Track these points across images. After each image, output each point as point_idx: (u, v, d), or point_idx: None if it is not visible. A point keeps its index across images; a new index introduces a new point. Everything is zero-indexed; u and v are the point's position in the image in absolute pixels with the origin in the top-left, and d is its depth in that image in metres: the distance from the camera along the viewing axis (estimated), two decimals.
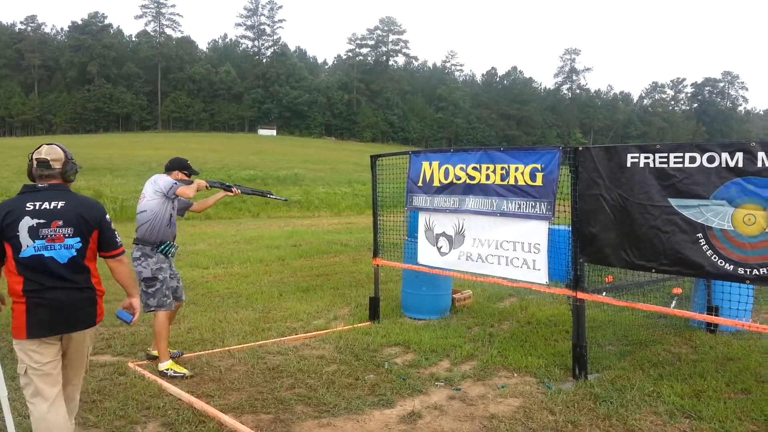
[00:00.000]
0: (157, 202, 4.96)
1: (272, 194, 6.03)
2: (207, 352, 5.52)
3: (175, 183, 5.01)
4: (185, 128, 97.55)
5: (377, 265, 6.84)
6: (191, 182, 5.26)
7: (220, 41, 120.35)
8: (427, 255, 6.18)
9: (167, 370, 4.81)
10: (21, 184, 3.39)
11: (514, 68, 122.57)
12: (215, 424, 3.94)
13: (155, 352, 5.09)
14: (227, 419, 3.99)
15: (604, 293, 5.14)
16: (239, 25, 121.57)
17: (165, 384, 4.62)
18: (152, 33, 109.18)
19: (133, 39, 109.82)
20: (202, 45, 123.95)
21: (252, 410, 4.22)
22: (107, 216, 3.35)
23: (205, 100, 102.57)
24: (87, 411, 4.12)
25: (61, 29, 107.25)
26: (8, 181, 24.69)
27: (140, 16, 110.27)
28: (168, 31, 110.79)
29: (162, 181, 5.00)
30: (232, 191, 5.53)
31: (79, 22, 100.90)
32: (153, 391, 4.51)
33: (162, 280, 4.96)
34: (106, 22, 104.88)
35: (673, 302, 6.84)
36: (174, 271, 5.22)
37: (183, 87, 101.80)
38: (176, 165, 5.34)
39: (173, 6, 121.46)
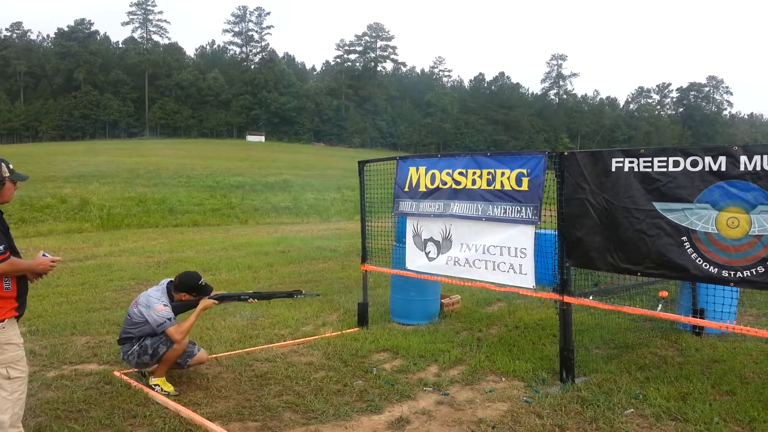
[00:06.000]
0: (146, 327, 4.73)
1: (302, 292, 5.35)
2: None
3: (168, 320, 4.66)
4: (173, 135, 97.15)
5: (366, 270, 6.84)
6: (196, 303, 4.93)
7: (207, 47, 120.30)
8: (415, 260, 6.18)
9: (156, 385, 4.69)
10: None
11: (502, 74, 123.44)
12: None
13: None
14: (214, 427, 3.96)
15: (590, 297, 5.17)
16: (227, 31, 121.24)
17: (152, 393, 4.58)
18: (139, 39, 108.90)
19: (120, 45, 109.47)
20: (190, 51, 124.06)
21: (239, 418, 4.20)
22: None
23: (193, 107, 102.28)
24: (72, 420, 4.08)
25: (47, 36, 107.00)
26: None
27: (127, 23, 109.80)
28: (155, 37, 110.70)
29: (154, 313, 4.67)
30: (248, 301, 5.17)
31: (66, 29, 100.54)
32: (139, 399, 4.48)
33: (159, 336, 4.74)
34: (93, 28, 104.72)
35: (660, 305, 6.89)
36: None
37: (170, 93, 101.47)
38: (185, 287, 4.93)
39: (160, 12, 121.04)
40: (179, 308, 4.93)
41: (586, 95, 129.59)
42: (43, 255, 3.49)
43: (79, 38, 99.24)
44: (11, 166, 3.49)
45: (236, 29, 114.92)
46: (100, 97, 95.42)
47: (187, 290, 4.93)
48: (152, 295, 4.82)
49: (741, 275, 4.06)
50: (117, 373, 5.03)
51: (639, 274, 4.62)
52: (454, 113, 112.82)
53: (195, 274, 5.01)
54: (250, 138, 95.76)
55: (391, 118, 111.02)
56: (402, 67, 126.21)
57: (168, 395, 4.57)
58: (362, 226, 6.88)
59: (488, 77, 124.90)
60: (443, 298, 7.48)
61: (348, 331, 6.56)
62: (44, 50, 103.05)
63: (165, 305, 4.73)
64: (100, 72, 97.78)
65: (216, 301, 4.96)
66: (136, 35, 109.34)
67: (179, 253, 13.12)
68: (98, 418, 4.12)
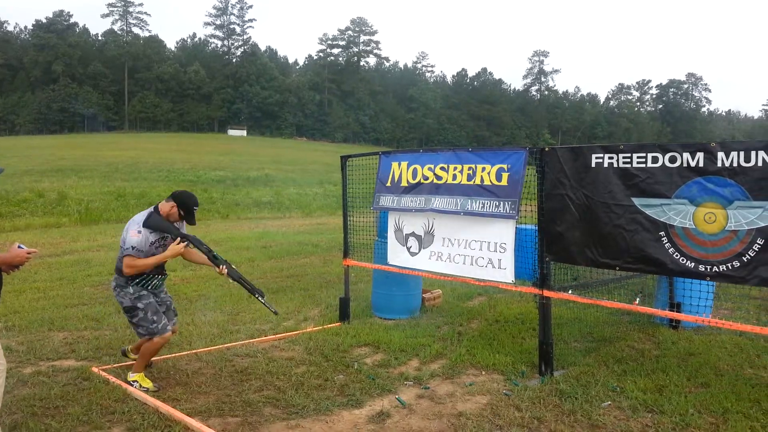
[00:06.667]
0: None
1: (263, 298, 4.79)
2: (173, 355, 5.45)
3: (131, 248, 4.47)
4: (153, 128, 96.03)
5: (347, 265, 6.83)
6: (177, 232, 4.66)
7: (188, 40, 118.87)
8: (397, 255, 6.19)
9: (134, 381, 4.62)
10: None
11: (484, 70, 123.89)
12: (181, 428, 3.89)
13: (133, 356, 4.98)
14: (194, 423, 3.94)
15: (570, 291, 5.22)
16: (208, 24, 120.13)
17: (130, 389, 4.54)
18: (119, 32, 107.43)
19: (100, 38, 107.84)
20: (171, 44, 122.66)
21: (219, 413, 4.18)
22: None
23: (174, 100, 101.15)
24: (50, 417, 4.04)
25: (25, 28, 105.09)
26: None
27: (107, 15, 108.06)
28: (135, 30, 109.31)
29: (128, 234, 4.52)
30: (218, 268, 4.71)
31: (44, 21, 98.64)
32: (118, 395, 4.43)
33: (144, 307, 4.61)
34: (72, 20, 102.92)
35: (637, 299, 6.98)
36: (163, 302, 4.86)
37: (151, 87, 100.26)
38: (177, 198, 4.66)
39: (141, 5, 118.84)
40: (158, 226, 4.59)
41: (567, 92, 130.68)
42: (19, 247, 3.41)
43: (57, 30, 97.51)
44: None
45: (218, 22, 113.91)
46: (78, 90, 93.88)
47: (177, 203, 4.63)
48: (135, 218, 4.63)
49: (717, 270, 4.13)
50: (95, 369, 4.98)
51: (617, 268, 4.68)
52: (437, 109, 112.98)
53: (194, 198, 4.75)
54: (231, 132, 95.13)
55: (374, 113, 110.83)
56: (385, 62, 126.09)
57: (147, 391, 4.52)
58: (344, 221, 6.88)
59: (471, 73, 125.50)
60: (425, 292, 7.50)
61: (329, 326, 6.56)
62: (22, 42, 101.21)
63: (139, 232, 4.50)
64: (79, 64, 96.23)
65: (185, 245, 4.65)
66: (115, 27, 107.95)
67: None
68: (76, 414, 4.08)
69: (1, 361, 3.39)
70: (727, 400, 4.38)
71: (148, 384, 4.61)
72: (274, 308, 4.95)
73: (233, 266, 4.81)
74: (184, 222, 4.84)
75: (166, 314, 4.81)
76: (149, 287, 4.71)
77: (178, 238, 4.67)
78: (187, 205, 4.67)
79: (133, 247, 4.49)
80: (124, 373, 4.90)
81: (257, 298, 4.77)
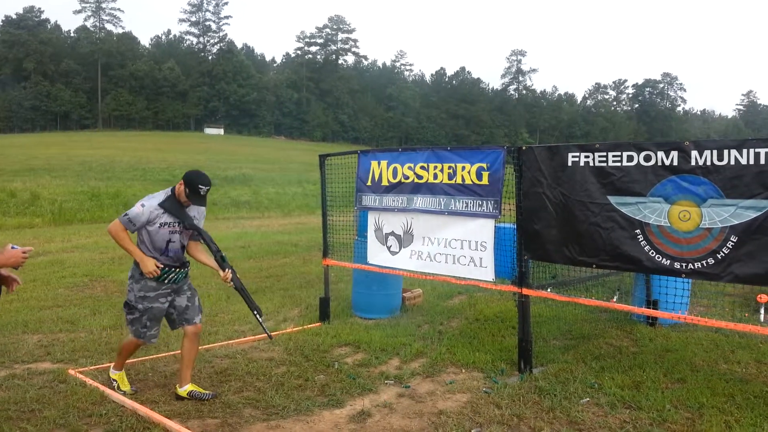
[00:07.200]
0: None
1: (260, 317, 4.53)
2: (151, 357, 5.38)
3: (125, 214, 4.19)
4: (127, 127, 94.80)
5: (327, 265, 6.81)
6: (189, 221, 4.33)
7: (163, 37, 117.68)
8: (377, 254, 6.19)
9: (114, 380, 4.55)
10: None
11: (463, 69, 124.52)
12: (160, 431, 3.84)
13: (180, 391, 4.48)
14: (172, 425, 3.89)
15: (549, 289, 5.27)
16: (183, 20, 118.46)
17: (108, 391, 4.48)
18: (92, 29, 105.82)
19: (72, 35, 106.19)
20: (145, 41, 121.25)
21: (198, 415, 4.14)
22: None
23: (149, 98, 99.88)
24: (25, 421, 3.96)
25: None
26: None
27: (79, 11, 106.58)
28: (108, 26, 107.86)
29: (136, 204, 4.26)
30: (222, 272, 4.39)
31: (14, 17, 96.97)
32: (95, 398, 4.36)
33: (143, 310, 4.31)
34: (43, 17, 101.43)
35: (615, 297, 7.08)
36: (183, 293, 4.48)
37: (125, 84, 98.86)
38: (186, 177, 4.28)
39: (114, 1, 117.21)
40: (170, 209, 4.28)
41: (545, 91, 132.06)
42: (12, 247, 3.18)
43: (28, 26, 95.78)
44: None
45: (193, 19, 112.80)
46: (51, 88, 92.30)
47: (185, 182, 4.25)
48: (154, 194, 4.38)
49: (692, 267, 4.20)
50: (72, 372, 4.89)
51: (594, 266, 4.73)
52: (416, 107, 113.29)
53: (203, 177, 4.30)
54: (208, 131, 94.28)
55: (352, 111, 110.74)
56: (363, 60, 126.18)
57: (124, 394, 4.46)
58: (323, 220, 6.85)
59: (449, 72, 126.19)
60: (405, 292, 7.52)
61: (309, 326, 6.53)
62: None
63: (142, 206, 4.19)
64: (51, 62, 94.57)
65: (157, 268, 4.25)
66: (88, 24, 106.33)
67: None
68: (52, 417, 4.01)
69: None
70: (703, 395, 4.45)
71: (126, 387, 4.53)
72: (270, 333, 4.70)
73: (235, 274, 4.49)
74: (201, 208, 4.46)
75: (186, 312, 4.46)
76: (167, 281, 4.33)
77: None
78: (192, 183, 4.22)
79: (126, 215, 4.19)
80: (101, 375, 4.83)
81: (254, 315, 4.50)
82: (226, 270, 4.39)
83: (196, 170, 4.39)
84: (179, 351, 5.49)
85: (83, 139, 62.98)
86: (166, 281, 4.33)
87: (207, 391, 4.47)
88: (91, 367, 5.05)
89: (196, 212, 4.44)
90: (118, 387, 4.52)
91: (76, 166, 32.37)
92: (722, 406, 4.25)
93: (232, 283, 4.42)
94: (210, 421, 4.05)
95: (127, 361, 4.79)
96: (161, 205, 4.25)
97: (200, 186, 4.22)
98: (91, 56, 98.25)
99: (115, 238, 4.26)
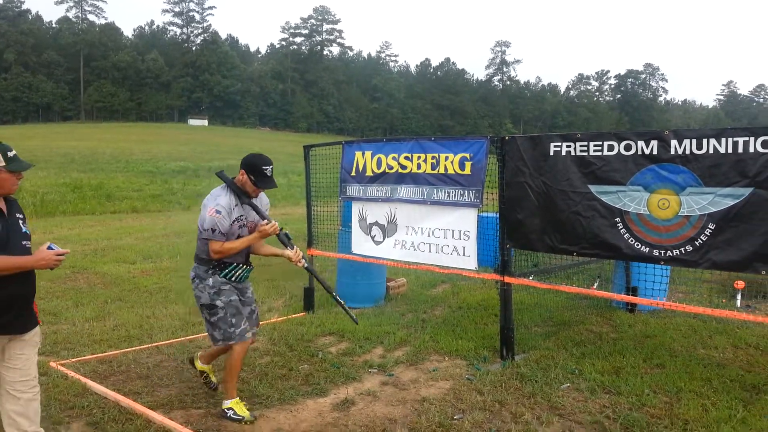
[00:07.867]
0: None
1: (343, 303, 4.35)
2: (134, 348, 5.36)
3: (211, 231, 3.81)
4: (110, 118, 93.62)
5: (312, 255, 6.82)
6: (253, 199, 3.99)
7: (146, 28, 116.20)
8: (361, 244, 6.20)
9: (229, 410, 3.95)
10: None
11: (447, 59, 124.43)
12: (143, 421, 3.83)
13: (202, 366, 4.38)
14: (155, 416, 3.89)
15: (530, 277, 5.32)
16: (167, 11, 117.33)
17: (90, 383, 4.45)
18: (74, 19, 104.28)
19: (54, 25, 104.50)
20: (128, 32, 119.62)
21: (182, 406, 4.14)
22: None
23: (132, 89, 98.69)
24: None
25: None
26: None
27: (61, 2, 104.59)
28: (91, 17, 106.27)
29: (205, 212, 3.85)
30: (291, 250, 4.10)
31: None
32: (77, 390, 4.34)
33: (224, 305, 3.93)
34: (24, 7, 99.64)
35: (595, 284, 7.16)
36: (247, 303, 4.19)
37: (107, 75, 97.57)
38: (246, 164, 3.93)
39: None
40: (243, 201, 3.98)
41: (528, 82, 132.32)
42: (49, 247, 2.96)
43: (8, 17, 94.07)
44: (11, 153, 2.92)
45: (176, 9, 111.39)
46: (32, 79, 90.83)
47: (246, 169, 3.91)
48: (214, 192, 4.00)
49: (671, 254, 4.26)
50: (53, 364, 4.86)
51: (575, 254, 4.79)
52: (401, 98, 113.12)
53: (263, 157, 3.99)
54: (192, 122, 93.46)
55: (337, 102, 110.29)
56: (349, 51, 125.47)
57: (242, 421, 3.88)
58: (308, 210, 6.85)
59: (434, 63, 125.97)
60: (389, 281, 7.55)
61: (294, 315, 6.54)
62: None
63: (218, 212, 3.81)
64: (32, 53, 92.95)
65: (277, 232, 3.98)
66: (70, 14, 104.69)
67: (117, 240, 12.75)
68: None
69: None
70: (681, 379, 4.54)
71: (244, 413, 3.93)
72: (356, 319, 4.46)
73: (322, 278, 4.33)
74: (265, 200, 4.23)
75: (248, 318, 4.12)
76: (233, 278, 4.04)
77: (266, 220, 3.98)
78: (255, 166, 3.90)
79: (213, 230, 3.80)
80: (83, 367, 4.81)
81: (334, 297, 4.33)
82: (295, 249, 4.10)
83: (252, 153, 4.07)
84: (162, 342, 5.50)
85: (66, 130, 62.14)
86: (233, 279, 4.04)
87: (247, 415, 3.94)
88: (73, 360, 5.02)
89: (259, 202, 4.12)
90: (235, 413, 3.92)
91: (59, 158, 31.98)
92: (700, 390, 4.34)
93: (304, 261, 4.17)
94: (193, 412, 4.06)
95: (108, 353, 4.75)
96: (236, 198, 3.94)
97: (264, 167, 3.92)
98: (74, 47, 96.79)
99: (223, 255, 3.91)
